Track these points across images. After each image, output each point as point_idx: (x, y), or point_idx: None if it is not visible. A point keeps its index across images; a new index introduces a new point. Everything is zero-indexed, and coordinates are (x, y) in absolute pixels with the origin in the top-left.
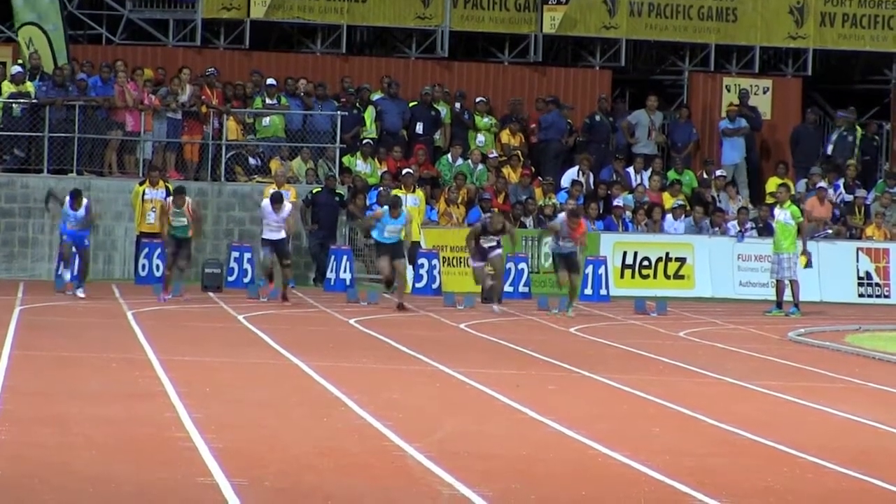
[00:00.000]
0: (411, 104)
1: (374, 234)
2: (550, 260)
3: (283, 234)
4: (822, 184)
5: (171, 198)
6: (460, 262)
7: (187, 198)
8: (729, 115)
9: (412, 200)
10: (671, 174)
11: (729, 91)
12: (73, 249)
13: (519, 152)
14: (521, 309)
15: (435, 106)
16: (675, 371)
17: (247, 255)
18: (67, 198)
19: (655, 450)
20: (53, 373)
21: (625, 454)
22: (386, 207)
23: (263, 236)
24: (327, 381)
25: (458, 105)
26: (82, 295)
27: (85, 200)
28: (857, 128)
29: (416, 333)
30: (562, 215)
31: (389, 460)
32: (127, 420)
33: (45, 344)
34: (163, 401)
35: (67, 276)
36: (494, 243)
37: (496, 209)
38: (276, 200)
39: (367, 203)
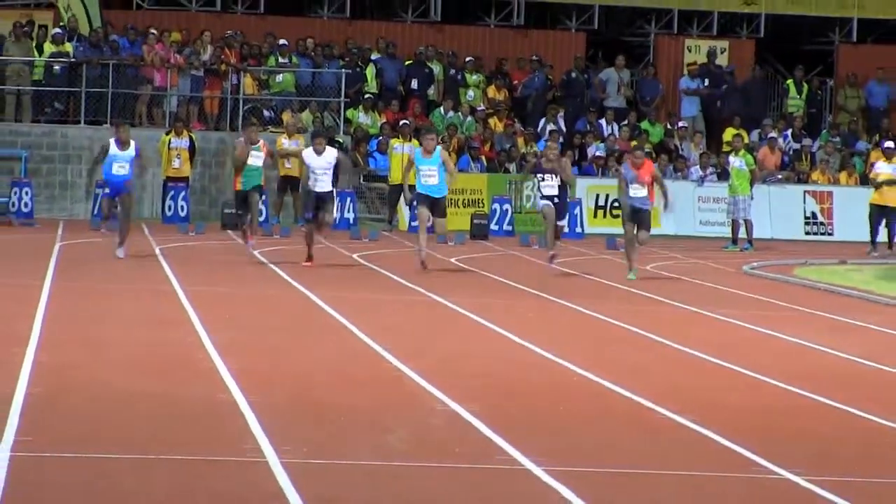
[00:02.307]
0: (407, 63)
1: (417, 184)
2: (621, 214)
3: (329, 187)
4: (773, 134)
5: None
6: (451, 204)
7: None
8: (690, 73)
9: (408, 149)
10: (644, 124)
11: (690, 51)
12: (115, 207)
13: (503, 105)
14: (506, 245)
15: (428, 64)
16: (642, 300)
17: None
18: (112, 140)
19: (624, 370)
20: (89, 301)
21: (596, 374)
22: (417, 147)
23: (311, 187)
24: (332, 309)
25: (449, 65)
26: (122, 255)
27: (133, 142)
28: (804, 84)
29: (411, 268)
30: (622, 166)
31: (388, 379)
32: (155, 343)
33: (81, 276)
34: (187, 327)
35: (120, 252)
36: (554, 187)
37: (552, 139)
38: (317, 141)
39: (369, 150)
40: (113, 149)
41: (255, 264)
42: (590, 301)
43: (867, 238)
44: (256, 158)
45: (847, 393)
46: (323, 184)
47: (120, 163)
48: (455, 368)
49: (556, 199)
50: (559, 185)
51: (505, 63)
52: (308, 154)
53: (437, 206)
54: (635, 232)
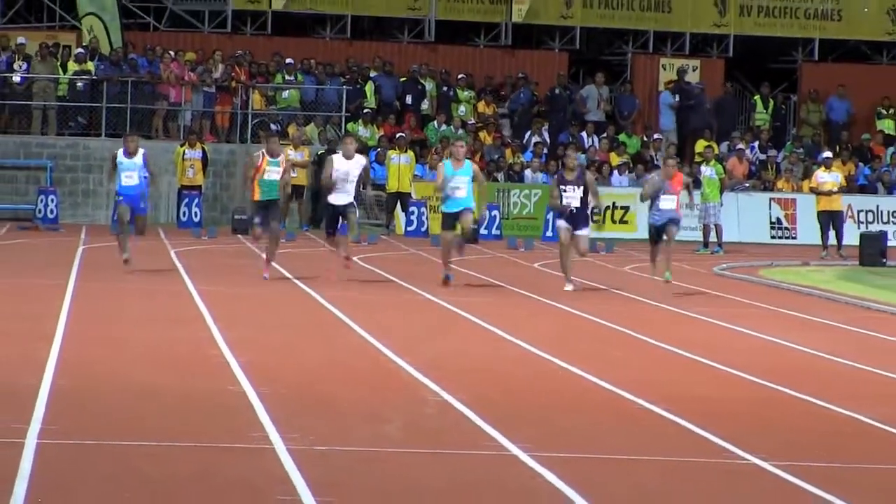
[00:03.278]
0: (402, 80)
1: (446, 200)
2: (649, 236)
3: (349, 198)
4: (741, 145)
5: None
6: None
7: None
8: (672, 90)
9: (404, 159)
10: (622, 137)
11: (665, 69)
12: (129, 216)
13: (492, 119)
14: (495, 249)
15: (422, 81)
16: (622, 300)
17: None
18: (120, 151)
19: (606, 365)
20: (110, 301)
21: (581, 368)
22: (446, 161)
23: (329, 199)
24: (335, 307)
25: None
26: (127, 256)
27: (142, 150)
28: (770, 99)
29: (408, 269)
30: (653, 174)
31: (386, 373)
32: (170, 339)
33: (102, 276)
34: (199, 324)
35: (126, 253)
36: (576, 198)
37: (570, 149)
38: (348, 141)
39: (370, 160)
40: (120, 157)
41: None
42: (575, 301)
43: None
44: (275, 173)
45: (810, 385)
46: (344, 195)
47: (127, 172)
48: (447, 363)
49: (574, 210)
50: (581, 197)
51: (493, 78)
52: (338, 160)
53: (462, 216)
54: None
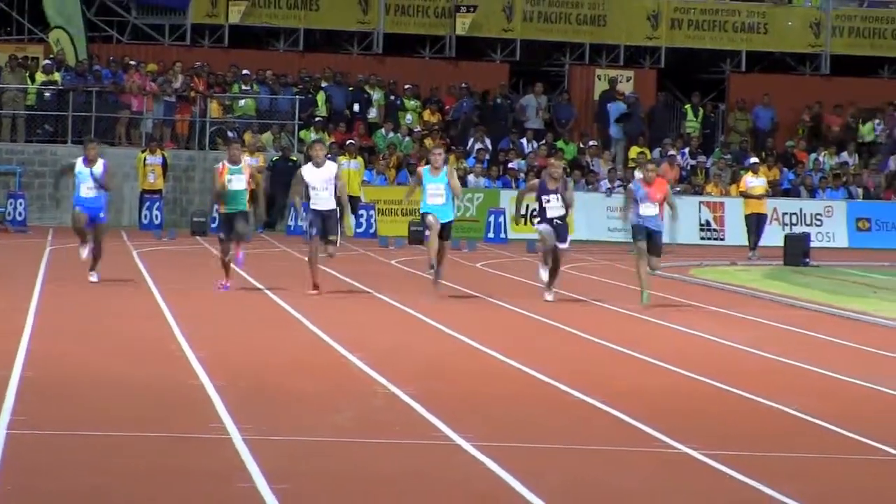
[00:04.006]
0: (352, 90)
1: (422, 203)
2: (632, 236)
3: (332, 204)
4: (672, 151)
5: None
6: (392, 213)
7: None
8: (616, 99)
9: (354, 164)
10: (560, 143)
11: (600, 80)
12: (87, 224)
13: (437, 127)
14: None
15: (369, 91)
16: (560, 298)
17: None
18: (80, 159)
19: (543, 358)
20: (76, 298)
21: (519, 361)
22: (425, 166)
23: (312, 206)
24: (287, 304)
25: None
26: (95, 280)
27: (102, 160)
28: (700, 108)
29: (357, 269)
30: (634, 181)
31: (336, 366)
32: (133, 335)
33: (69, 276)
34: (160, 320)
35: (85, 252)
36: (558, 207)
37: (555, 157)
38: (315, 150)
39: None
40: (79, 166)
41: (220, 265)
42: (514, 298)
43: (747, 243)
44: (238, 182)
45: (738, 379)
46: (325, 201)
47: (87, 183)
48: (395, 357)
49: (558, 221)
50: (563, 206)
51: (437, 91)
52: (307, 171)
53: (443, 230)
54: (644, 262)
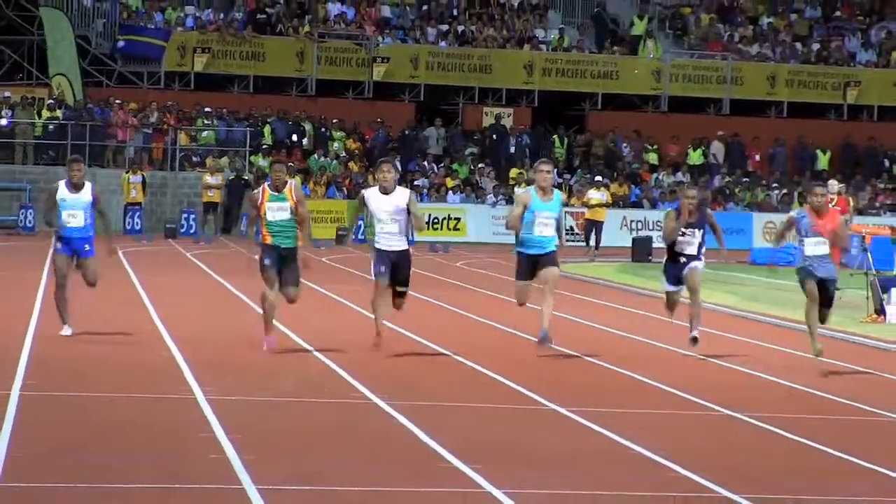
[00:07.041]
0: (290, 123)
1: (523, 235)
2: (798, 279)
3: (404, 244)
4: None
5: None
6: (322, 220)
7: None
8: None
9: (293, 182)
10: (455, 166)
11: (487, 115)
12: (68, 269)
13: (358, 153)
14: (362, 250)
15: (304, 124)
16: (457, 288)
17: (192, 216)
18: (62, 183)
19: (449, 339)
20: (73, 288)
21: (430, 340)
22: (531, 188)
23: (378, 246)
24: (242, 293)
25: (321, 124)
26: (68, 333)
27: (89, 184)
28: (565, 138)
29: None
30: (800, 210)
31: (280, 341)
32: (114, 318)
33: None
34: (139, 305)
35: (68, 331)
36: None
37: (689, 188)
38: (383, 171)
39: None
40: (62, 192)
41: (188, 262)
42: (421, 288)
43: (592, 244)
44: (281, 210)
45: (594, 349)
46: (393, 238)
47: (70, 211)
48: (327, 334)
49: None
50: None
51: (359, 126)
52: (372, 196)
53: (547, 260)
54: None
